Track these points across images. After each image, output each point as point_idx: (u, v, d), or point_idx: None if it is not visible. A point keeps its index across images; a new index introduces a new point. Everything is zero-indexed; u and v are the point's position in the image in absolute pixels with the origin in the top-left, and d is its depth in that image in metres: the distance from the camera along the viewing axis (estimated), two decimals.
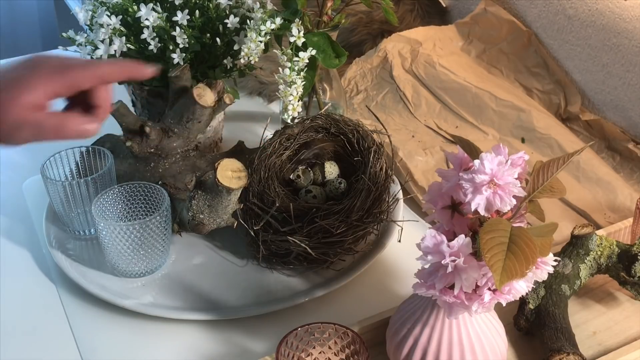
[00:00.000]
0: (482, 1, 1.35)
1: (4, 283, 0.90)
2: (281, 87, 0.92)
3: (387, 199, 0.91)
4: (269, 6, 0.96)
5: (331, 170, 0.97)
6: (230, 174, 0.81)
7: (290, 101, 0.92)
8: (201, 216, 0.84)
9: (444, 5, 1.47)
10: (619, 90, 1.16)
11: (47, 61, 0.68)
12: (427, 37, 1.32)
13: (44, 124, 0.67)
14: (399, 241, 0.93)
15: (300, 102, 0.93)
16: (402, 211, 0.98)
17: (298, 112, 0.93)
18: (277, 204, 0.86)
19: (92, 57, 0.95)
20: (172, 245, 0.92)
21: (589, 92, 1.21)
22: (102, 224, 0.84)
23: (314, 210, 0.86)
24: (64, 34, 0.98)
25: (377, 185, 0.88)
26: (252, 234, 0.88)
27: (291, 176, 0.96)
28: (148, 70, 0.72)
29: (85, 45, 0.95)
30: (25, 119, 0.66)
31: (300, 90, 0.92)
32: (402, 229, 0.93)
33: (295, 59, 0.90)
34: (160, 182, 0.91)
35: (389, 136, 0.96)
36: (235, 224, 0.87)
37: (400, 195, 0.97)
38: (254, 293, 0.87)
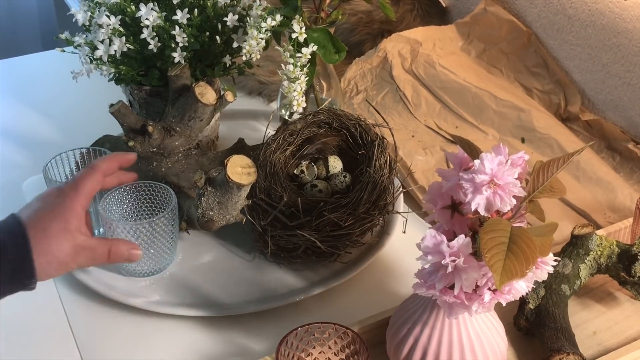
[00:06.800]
0: (482, 1, 1.35)
1: None
2: (285, 83, 0.92)
3: (392, 191, 0.92)
4: (264, 3, 0.96)
5: (335, 164, 0.97)
6: (240, 170, 0.81)
7: (294, 96, 0.92)
8: (211, 213, 0.84)
9: (444, 5, 1.47)
10: (619, 90, 1.16)
11: (66, 186, 0.76)
12: (427, 37, 1.32)
13: (97, 250, 0.75)
14: (404, 232, 0.94)
15: (304, 97, 0.93)
16: (402, 206, 0.99)
17: (303, 107, 0.94)
18: (285, 199, 0.87)
19: (91, 59, 0.95)
20: (179, 242, 0.92)
21: (589, 92, 1.21)
22: (110, 224, 0.84)
23: (321, 204, 0.87)
24: (60, 35, 0.97)
25: (383, 178, 0.89)
26: (260, 229, 0.88)
27: (295, 171, 0.97)
28: (133, 156, 0.85)
29: (85, 46, 0.95)
30: (80, 244, 0.73)
31: (304, 85, 0.92)
32: (406, 220, 0.94)
33: (298, 54, 0.90)
34: (163, 181, 0.91)
35: (390, 129, 0.97)
36: (244, 220, 0.87)
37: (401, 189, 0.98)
38: (256, 290, 0.88)
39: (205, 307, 0.85)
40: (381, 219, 0.94)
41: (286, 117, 0.96)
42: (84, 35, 0.96)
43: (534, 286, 0.79)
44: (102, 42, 0.92)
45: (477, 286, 0.63)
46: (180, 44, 0.93)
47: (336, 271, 0.90)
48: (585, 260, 0.82)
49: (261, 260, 0.92)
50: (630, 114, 1.14)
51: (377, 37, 1.39)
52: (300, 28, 0.91)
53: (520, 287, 0.64)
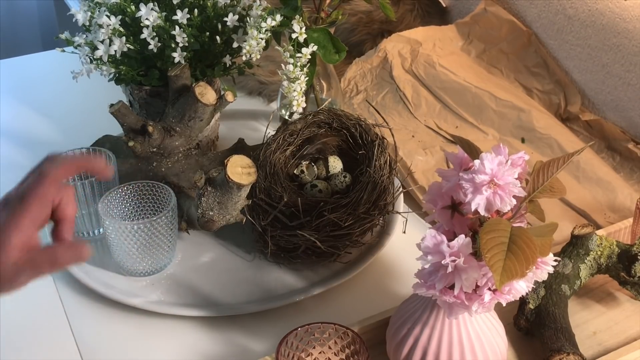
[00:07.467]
0: (482, 1, 1.35)
1: None
2: (285, 83, 0.92)
3: (392, 191, 0.92)
4: (264, 3, 0.96)
5: (335, 164, 0.97)
6: (240, 170, 0.81)
7: (294, 97, 0.92)
8: (211, 213, 0.84)
9: (444, 5, 1.47)
10: (619, 90, 1.16)
11: (15, 198, 0.68)
12: (427, 37, 1.32)
13: (38, 261, 0.65)
14: (404, 232, 0.94)
15: (304, 97, 0.93)
16: (402, 206, 0.99)
17: (303, 108, 0.94)
18: (285, 199, 0.87)
19: (91, 59, 0.95)
20: (179, 242, 0.92)
21: (589, 92, 1.21)
22: (108, 223, 0.84)
23: (321, 204, 0.87)
24: (60, 36, 0.97)
25: (383, 178, 0.89)
26: (260, 229, 0.88)
27: (295, 171, 0.97)
28: (108, 169, 0.71)
29: (85, 47, 0.95)
30: (21, 260, 0.64)
31: (304, 85, 0.92)
32: (406, 220, 0.94)
33: (298, 54, 0.90)
34: (163, 181, 0.91)
35: (390, 129, 0.97)
36: (244, 220, 0.87)
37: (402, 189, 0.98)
38: (256, 290, 0.88)
39: (205, 307, 0.85)
40: (381, 219, 0.94)
41: (286, 117, 0.96)
42: (84, 36, 0.96)
43: (534, 286, 0.79)
44: (102, 42, 0.92)
45: (477, 286, 0.63)
46: (181, 44, 0.93)
47: (336, 271, 0.90)
48: (585, 260, 0.82)
49: (261, 260, 0.92)
50: (630, 114, 1.14)
51: (377, 37, 1.39)
52: (300, 28, 0.91)
53: (520, 287, 0.64)
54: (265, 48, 0.93)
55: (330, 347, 0.71)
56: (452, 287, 0.63)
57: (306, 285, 0.88)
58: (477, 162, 0.63)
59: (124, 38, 0.92)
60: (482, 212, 0.63)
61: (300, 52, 0.90)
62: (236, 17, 0.95)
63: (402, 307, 0.74)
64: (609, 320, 0.83)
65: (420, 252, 0.64)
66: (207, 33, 0.96)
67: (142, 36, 0.92)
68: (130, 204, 0.90)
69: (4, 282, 0.64)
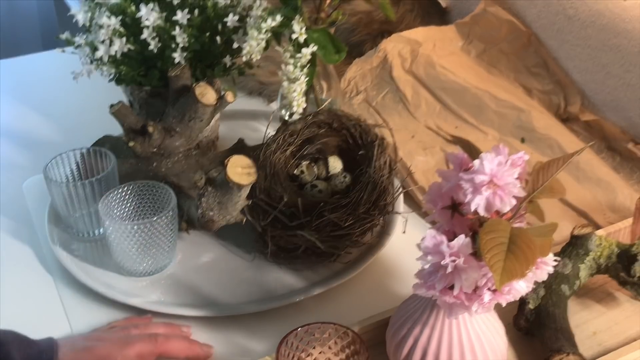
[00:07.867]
0: (481, 1, 1.35)
1: (3, 283, 0.90)
2: (285, 83, 0.92)
3: (392, 192, 0.92)
4: (264, 4, 0.97)
5: (335, 164, 0.97)
6: (240, 170, 0.81)
7: (294, 97, 0.92)
8: (211, 213, 0.84)
9: (444, 6, 1.47)
10: (618, 90, 1.16)
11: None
12: (427, 37, 1.32)
13: None
14: (404, 232, 0.94)
15: (304, 98, 0.93)
16: (402, 206, 0.99)
17: (303, 108, 0.94)
18: (285, 199, 0.87)
19: (92, 59, 0.95)
20: (179, 242, 0.92)
21: (589, 92, 1.21)
22: (109, 223, 0.84)
23: (321, 204, 0.87)
24: (61, 36, 0.98)
25: (382, 179, 0.89)
26: (260, 229, 0.88)
27: (295, 171, 0.97)
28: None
29: (85, 47, 0.95)
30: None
31: (304, 86, 0.92)
32: (406, 220, 0.94)
33: (298, 55, 0.90)
34: (163, 182, 0.91)
35: (390, 130, 0.97)
36: (244, 220, 0.87)
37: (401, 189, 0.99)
38: (256, 290, 0.88)
39: (205, 307, 0.85)
40: (381, 219, 0.94)
41: (286, 118, 0.96)
42: (85, 36, 0.96)
43: (534, 286, 0.79)
44: (102, 42, 0.92)
45: (477, 286, 0.63)
46: (181, 45, 0.93)
47: (336, 271, 0.90)
48: (585, 261, 0.82)
49: (261, 260, 0.92)
50: (630, 114, 1.14)
51: (377, 37, 1.38)
52: (301, 28, 0.91)
53: (520, 287, 0.64)
54: (265, 48, 0.93)
55: (330, 347, 0.71)
56: (452, 287, 0.63)
57: (306, 285, 0.88)
58: (476, 162, 0.63)
59: (124, 38, 0.92)
60: (482, 213, 0.63)
61: (301, 52, 0.90)
62: (236, 17, 0.95)
63: (402, 307, 0.74)
64: (609, 320, 0.83)
65: (420, 252, 0.64)
66: (208, 33, 0.96)
67: (143, 37, 0.92)
68: (130, 204, 0.90)
69: None
